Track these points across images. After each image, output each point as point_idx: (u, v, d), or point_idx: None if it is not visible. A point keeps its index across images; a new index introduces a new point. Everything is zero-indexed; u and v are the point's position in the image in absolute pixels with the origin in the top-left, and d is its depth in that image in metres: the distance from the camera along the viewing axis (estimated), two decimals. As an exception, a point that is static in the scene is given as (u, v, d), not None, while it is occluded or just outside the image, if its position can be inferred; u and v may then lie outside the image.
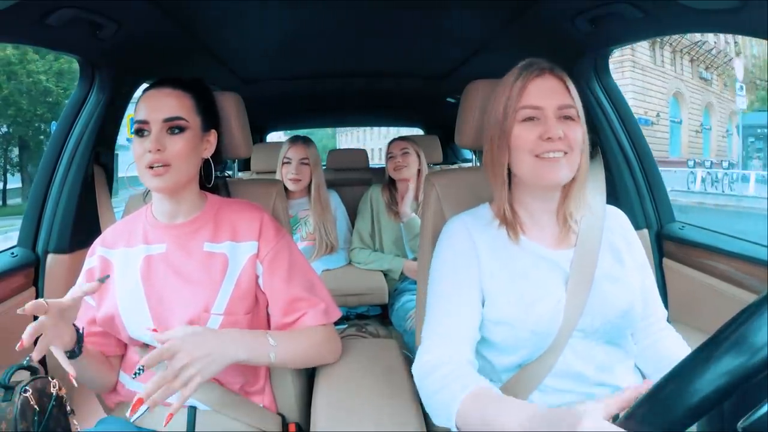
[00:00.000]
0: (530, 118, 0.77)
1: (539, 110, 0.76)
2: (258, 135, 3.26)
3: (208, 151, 0.90)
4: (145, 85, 1.50)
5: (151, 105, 0.83)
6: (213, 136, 0.91)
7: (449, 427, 0.67)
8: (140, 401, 0.67)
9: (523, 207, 0.82)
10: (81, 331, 0.79)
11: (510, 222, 0.80)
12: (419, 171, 1.94)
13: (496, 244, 0.81)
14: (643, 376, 0.85)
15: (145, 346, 0.88)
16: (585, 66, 1.29)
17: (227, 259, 0.87)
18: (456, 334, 0.77)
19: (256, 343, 0.81)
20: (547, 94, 0.76)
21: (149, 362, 0.69)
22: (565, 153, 0.75)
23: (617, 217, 0.88)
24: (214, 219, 0.90)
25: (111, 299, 0.86)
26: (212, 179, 0.93)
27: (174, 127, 0.83)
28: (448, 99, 2.36)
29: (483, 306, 0.79)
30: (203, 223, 0.89)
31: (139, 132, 0.83)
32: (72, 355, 0.77)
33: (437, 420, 0.71)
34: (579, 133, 0.76)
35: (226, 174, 2.16)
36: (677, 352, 0.82)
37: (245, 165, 3.02)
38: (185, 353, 0.70)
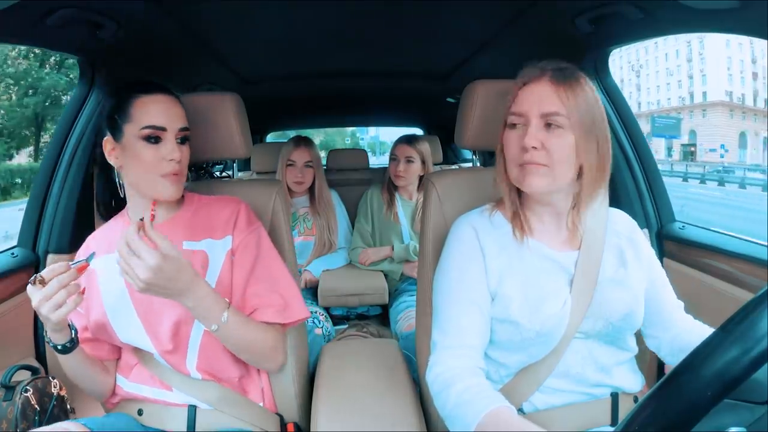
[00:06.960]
0: (513, 125, 0.76)
1: (522, 117, 0.74)
2: (258, 135, 3.27)
3: None
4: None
5: (167, 113, 0.83)
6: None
7: None
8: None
9: (531, 209, 0.81)
10: (74, 328, 0.81)
11: (518, 223, 0.80)
12: (421, 177, 1.92)
13: (502, 243, 0.80)
14: (659, 374, 0.83)
15: (139, 349, 0.88)
16: (585, 66, 1.29)
17: (207, 257, 0.87)
18: (467, 342, 0.76)
19: (207, 310, 0.78)
20: (535, 99, 0.73)
21: (128, 237, 0.70)
22: (545, 165, 0.72)
23: (622, 219, 0.87)
24: (191, 218, 0.90)
25: (98, 306, 0.86)
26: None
27: (185, 137, 0.85)
28: (448, 99, 2.36)
29: (491, 304, 0.78)
30: (180, 222, 0.89)
31: (153, 138, 0.81)
32: (66, 349, 0.79)
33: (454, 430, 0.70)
34: (565, 142, 0.72)
35: (226, 174, 2.18)
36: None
37: (245, 165, 3.02)
38: (146, 268, 0.69)
